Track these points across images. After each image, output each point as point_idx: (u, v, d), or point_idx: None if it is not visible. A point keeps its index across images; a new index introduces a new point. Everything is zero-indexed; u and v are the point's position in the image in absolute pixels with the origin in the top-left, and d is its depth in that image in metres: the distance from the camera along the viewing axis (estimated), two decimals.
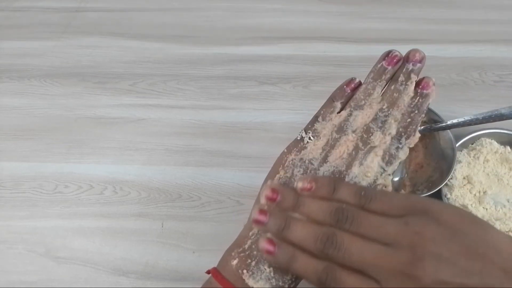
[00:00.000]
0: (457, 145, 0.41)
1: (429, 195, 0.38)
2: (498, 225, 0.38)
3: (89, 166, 0.46)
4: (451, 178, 0.41)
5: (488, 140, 0.42)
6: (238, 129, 0.48)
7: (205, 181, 0.45)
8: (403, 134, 0.30)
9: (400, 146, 0.30)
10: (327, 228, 0.25)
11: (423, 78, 0.32)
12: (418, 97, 0.31)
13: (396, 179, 0.42)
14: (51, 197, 0.44)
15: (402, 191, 0.39)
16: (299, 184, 0.27)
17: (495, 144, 0.42)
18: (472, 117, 0.40)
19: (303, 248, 0.26)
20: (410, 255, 0.22)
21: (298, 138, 0.32)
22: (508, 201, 0.40)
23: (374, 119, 0.31)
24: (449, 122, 0.41)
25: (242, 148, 0.47)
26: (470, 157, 0.42)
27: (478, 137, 0.43)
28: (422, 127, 0.41)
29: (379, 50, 0.54)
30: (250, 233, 0.29)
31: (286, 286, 0.27)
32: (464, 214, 0.24)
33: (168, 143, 0.47)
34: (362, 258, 0.24)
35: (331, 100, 0.33)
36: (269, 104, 0.50)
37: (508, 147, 0.42)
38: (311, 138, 0.31)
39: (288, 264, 0.26)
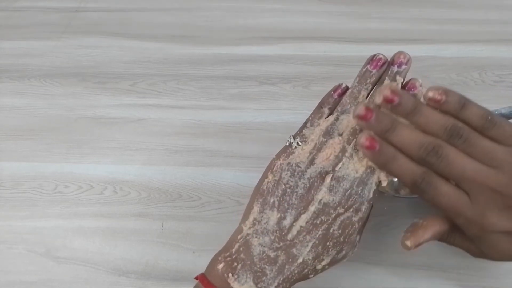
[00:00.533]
0: None
1: None
2: None
3: (89, 166, 0.46)
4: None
5: None
6: (238, 129, 0.48)
7: (205, 181, 0.45)
8: None
9: None
10: (434, 139, 0.27)
11: (410, 79, 0.32)
12: None
13: (396, 179, 0.42)
14: (51, 197, 0.44)
15: (402, 191, 0.39)
16: (429, 94, 0.28)
17: None
18: None
19: (405, 153, 0.27)
20: (507, 178, 0.25)
21: (287, 144, 0.32)
22: None
23: None
24: None
25: (242, 148, 0.47)
26: None
27: None
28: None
29: (379, 50, 0.54)
30: (239, 237, 0.29)
31: (273, 287, 0.28)
32: None
33: (168, 143, 0.47)
34: (462, 171, 0.26)
35: (319, 106, 0.33)
36: (269, 104, 0.50)
37: None
38: (299, 143, 0.31)
39: (387, 162, 0.28)
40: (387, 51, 0.54)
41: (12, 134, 0.49)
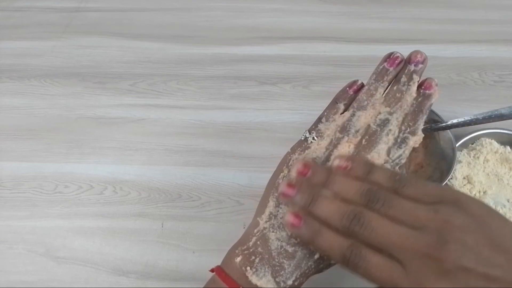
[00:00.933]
0: (457, 145, 0.41)
1: None
2: None
3: (89, 166, 0.46)
4: (451, 178, 0.41)
5: (488, 140, 0.42)
6: (238, 129, 0.48)
7: (205, 181, 0.45)
8: (406, 134, 0.30)
9: (403, 146, 0.30)
10: (354, 206, 0.26)
11: (426, 78, 0.32)
12: (420, 98, 0.31)
13: None
14: (51, 197, 0.44)
15: None
16: (336, 162, 0.28)
17: (495, 144, 0.42)
18: (472, 117, 0.40)
19: (329, 224, 0.26)
20: (436, 238, 0.23)
21: (302, 138, 0.32)
22: (508, 201, 0.40)
23: (377, 120, 0.31)
24: (449, 122, 0.41)
25: (242, 148, 0.47)
26: (470, 157, 0.42)
27: (478, 137, 0.43)
28: (422, 127, 0.41)
29: (379, 50, 0.54)
30: (255, 230, 0.29)
31: (290, 283, 0.27)
32: (491, 210, 0.24)
33: (168, 143, 0.47)
34: (388, 238, 0.24)
35: (335, 101, 0.33)
36: (269, 104, 0.50)
37: (508, 147, 0.42)
38: (315, 138, 0.31)
39: (312, 238, 0.26)
40: (387, 51, 0.54)
41: (12, 134, 0.49)
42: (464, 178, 0.41)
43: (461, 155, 0.42)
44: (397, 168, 0.30)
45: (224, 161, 0.46)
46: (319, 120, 0.32)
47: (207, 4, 0.61)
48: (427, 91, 0.31)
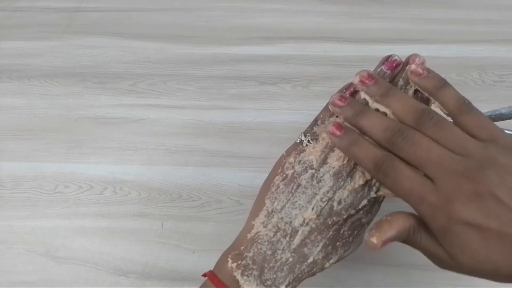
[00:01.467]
0: None
1: None
2: None
3: (89, 166, 0.46)
4: None
5: None
6: (238, 129, 0.48)
7: (205, 181, 0.45)
8: None
9: None
10: (402, 124, 0.26)
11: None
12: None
13: None
14: (51, 197, 0.44)
15: None
16: (412, 67, 0.29)
17: None
18: None
19: (371, 137, 0.27)
20: (476, 164, 0.23)
21: (297, 141, 0.31)
22: None
23: None
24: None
25: (242, 148, 0.47)
26: None
27: None
28: None
29: (379, 50, 0.54)
30: (248, 235, 0.29)
31: (283, 287, 0.27)
32: None
33: (168, 143, 0.47)
34: (427, 154, 0.24)
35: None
36: (269, 104, 0.50)
37: None
38: (310, 141, 0.31)
39: (349, 147, 0.27)
40: (387, 51, 0.54)
41: (12, 134, 0.49)
42: None
43: None
44: None
45: (224, 161, 0.46)
46: (314, 123, 0.32)
47: (207, 4, 0.61)
48: (424, 96, 0.31)
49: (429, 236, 0.25)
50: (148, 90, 0.52)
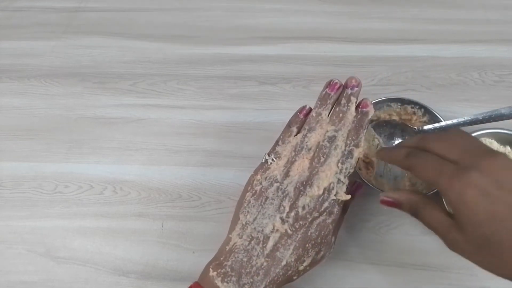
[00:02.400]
0: None
1: (430, 194, 0.38)
2: None
3: (89, 166, 0.46)
4: None
5: (488, 140, 0.42)
6: (238, 129, 0.48)
7: (205, 181, 0.45)
8: (351, 147, 0.35)
9: (350, 157, 0.34)
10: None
11: (362, 99, 0.37)
12: (359, 115, 0.36)
13: (399, 178, 0.42)
14: (51, 197, 0.44)
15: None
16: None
17: (495, 144, 0.42)
18: (472, 117, 0.40)
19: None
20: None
21: (263, 161, 0.36)
22: None
23: (325, 137, 0.35)
24: (449, 122, 0.41)
25: (242, 148, 0.47)
26: None
27: (478, 137, 0.43)
28: (424, 127, 0.41)
29: (379, 50, 0.54)
30: (227, 247, 0.32)
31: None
32: None
33: (168, 143, 0.47)
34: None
35: (288, 126, 0.37)
36: (269, 104, 0.50)
37: (508, 147, 0.42)
38: (274, 159, 0.35)
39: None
40: (387, 51, 0.54)
41: (12, 134, 0.49)
42: None
43: None
44: (347, 177, 0.34)
45: (224, 161, 0.46)
46: (276, 144, 0.37)
47: (207, 4, 0.61)
48: (364, 109, 0.36)
49: (438, 211, 0.29)
50: (148, 90, 0.52)
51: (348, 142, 0.35)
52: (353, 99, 0.36)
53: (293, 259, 0.31)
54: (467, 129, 0.44)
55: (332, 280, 0.38)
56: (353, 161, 0.34)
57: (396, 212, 0.42)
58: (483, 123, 0.40)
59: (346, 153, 0.34)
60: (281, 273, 0.31)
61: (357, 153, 0.35)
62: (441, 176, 0.28)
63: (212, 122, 0.49)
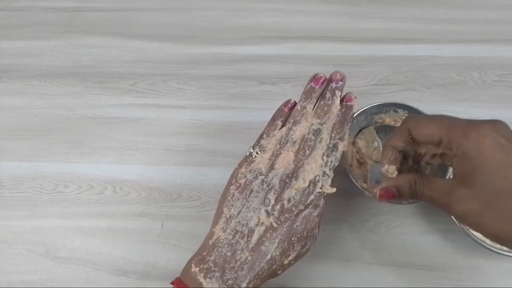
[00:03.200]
0: None
1: None
2: None
3: (89, 166, 0.46)
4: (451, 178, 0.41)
5: None
6: (238, 129, 0.48)
7: (205, 181, 0.45)
8: (336, 140, 0.35)
9: (335, 150, 0.35)
10: None
11: (347, 93, 0.38)
12: (344, 108, 0.37)
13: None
14: (51, 197, 0.44)
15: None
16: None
17: None
18: None
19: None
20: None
21: (247, 154, 0.36)
22: None
23: (310, 130, 0.35)
24: None
25: (242, 148, 0.46)
26: None
27: None
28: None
29: (379, 50, 0.54)
30: (210, 242, 0.32)
31: (244, 285, 0.30)
32: None
33: (168, 143, 0.47)
34: None
35: (273, 119, 0.37)
36: (269, 104, 0.50)
37: (376, 142, 0.42)
38: (258, 152, 0.35)
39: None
40: (387, 51, 0.54)
41: (12, 134, 0.49)
42: None
43: None
44: (332, 170, 0.34)
45: (224, 161, 0.46)
46: (261, 137, 0.37)
47: (207, 4, 0.61)
48: (348, 103, 0.37)
49: (438, 179, 0.29)
50: (148, 90, 0.52)
51: (333, 135, 0.35)
52: (338, 93, 0.37)
53: (278, 253, 0.31)
54: None
55: (331, 279, 0.38)
56: (337, 154, 0.35)
57: (396, 212, 0.42)
58: None
59: (331, 146, 0.35)
60: (265, 267, 0.30)
61: (342, 146, 0.35)
62: (453, 129, 0.28)
63: (212, 122, 0.49)
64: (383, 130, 0.43)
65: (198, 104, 0.50)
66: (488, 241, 0.38)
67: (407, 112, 0.43)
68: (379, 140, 0.43)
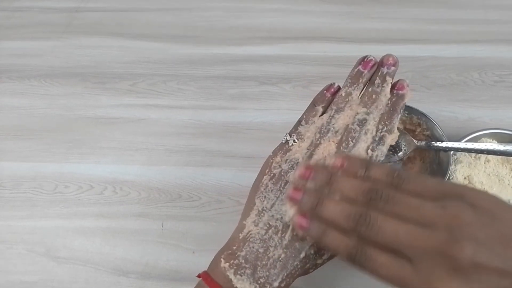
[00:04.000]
0: (458, 145, 0.40)
1: None
2: None
3: (89, 166, 0.46)
4: (451, 179, 0.41)
5: (489, 140, 0.42)
6: (238, 129, 0.48)
7: (205, 181, 0.45)
8: (383, 132, 0.32)
9: (381, 143, 0.31)
10: (359, 206, 0.25)
11: (398, 80, 0.34)
12: (394, 98, 0.33)
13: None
14: (51, 197, 0.44)
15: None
16: (330, 161, 0.28)
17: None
18: (476, 146, 0.39)
19: (336, 225, 0.26)
20: (448, 236, 0.22)
21: (283, 141, 0.33)
22: (509, 202, 0.40)
23: (355, 120, 0.32)
24: (449, 144, 0.39)
25: (242, 148, 0.47)
26: (471, 157, 0.42)
27: (479, 137, 0.43)
28: (424, 143, 0.40)
29: (379, 50, 0.54)
30: (240, 234, 0.30)
31: (276, 284, 0.28)
32: (499, 201, 0.24)
33: (168, 143, 0.47)
34: (396, 237, 0.24)
35: (313, 104, 0.34)
36: (269, 104, 0.50)
37: (485, 157, 0.42)
38: (295, 140, 0.32)
39: (320, 238, 0.26)
40: (387, 51, 0.54)
41: (12, 134, 0.49)
42: (465, 178, 0.41)
43: (462, 156, 0.42)
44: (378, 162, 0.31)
45: (224, 161, 0.46)
46: (299, 123, 0.34)
47: (207, 4, 0.61)
48: (400, 92, 0.33)
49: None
50: (148, 90, 0.52)
51: (380, 127, 0.32)
52: (389, 80, 0.33)
53: (312, 251, 0.28)
54: (467, 129, 0.44)
55: (332, 280, 0.38)
56: (384, 148, 0.31)
57: None
58: (484, 153, 0.39)
59: (377, 139, 0.31)
60: (299, 266, 0.28)
61: (390, 139, 0.32)
62: None
63: (212, 122, 0.49)
64: None
65: (198, 104, 0.50)
66: None
67: (407, 112, 0.43)
68: None
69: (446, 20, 0.57)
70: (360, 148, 0.31)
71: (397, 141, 0.42)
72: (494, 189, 0.40)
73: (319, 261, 0.29)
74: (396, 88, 0.33)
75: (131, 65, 0.54)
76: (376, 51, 0.54)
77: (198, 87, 0.52)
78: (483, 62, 0.52)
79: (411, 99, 0.48)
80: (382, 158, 0.31)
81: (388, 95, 0.33)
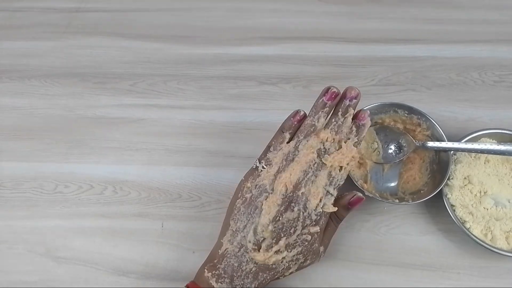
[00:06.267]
0: (458, 145, 0.40)
1: (431, 197, 0.38)
2: (498, 225, 0.38)
3: (89, 166, 0.46)
4: (451, 178, 0.41)
5: (489, 140, 0.42)
6: (238, 129, 0.48)
7: (205, 181, 0.45)
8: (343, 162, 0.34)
9: (342, 170, 0.34)
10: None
11: (360, 110, 0.36)
12: (356, 128, 0.35)
13: (393, 184, 0.42)
14: (51, 197, 0.44)
15: (392, 200, 0.40)
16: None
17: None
18: (476, 146, 0.39)
19: None
20: None
21: (254, 167, 0.35)
22: (509, 201, 0.40)
23: (319, 148, 0.34)
24: (450, 145, 0.40)
25: (242, 148, 0.47)
26: (471, 157, 0.42)
27: (479, 137, 0.43)
28: (426, 144, 0.41)
29: (379, 50, 0.54)
30: (219, 251, 0.33)
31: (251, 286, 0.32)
32: None
33: (168, 143, 0.47)
34: None
35: (281, 131, 0.36)
36: (269, 104, 0.50)
37: (376, 143, 0.42)
38: (264, 166, 0.34)
39: None
40: (387, 51, 0.54)
41: (12, 134, 0.49)
42: (465, 178, 0.41)
43: (462, 155, 0.42)
44: (336, 189, 0.33)
45: (224, 161, 0.46)
46: (267, 149, 0.35)
47: (207, 4, 0.61)
48: (361, 122, 0.35)
49: None
50: (148, 90, 0.52)
51: (341, 155, 0.34)
52: (351, 111, 0.35)
53: (280, 269, 0.33)
54: (467, 129, 0.44)
55: (332, 280, 0.38)
56: (344, 174, 0.34)
57: (396, 212, 0.42)
58: (484, 153, 0.40)
59: (337, 165, 0.34)
60: (268, 277, 0.33)
61: (349, 166, 0.34)
62: None
63: (212, 122, 0.49)
64: (383, 130, 0.43)
65: (198, 104, 0.50)
66: (488, 241, 0.38)
67: (407, 112, 0.43)
68: (378, 141, 0.43)
69: (446, 20, 0.57)
70: (322, 174, 0.33)
71: (397, 141, 0.42)
72: (494, 189, 0.40)
73: (286, 274, 0.33)
74: (358, 118, 0.35)
75: (131, 65, 0.54)
76: (376, 51, 0.54)
77: (198, 87, 0.52)
78: (483, 62, 0.52)
79: (411, 99, 0.49)
80: (341, 183, 0.34)
81: (350, 125, 0.35)
